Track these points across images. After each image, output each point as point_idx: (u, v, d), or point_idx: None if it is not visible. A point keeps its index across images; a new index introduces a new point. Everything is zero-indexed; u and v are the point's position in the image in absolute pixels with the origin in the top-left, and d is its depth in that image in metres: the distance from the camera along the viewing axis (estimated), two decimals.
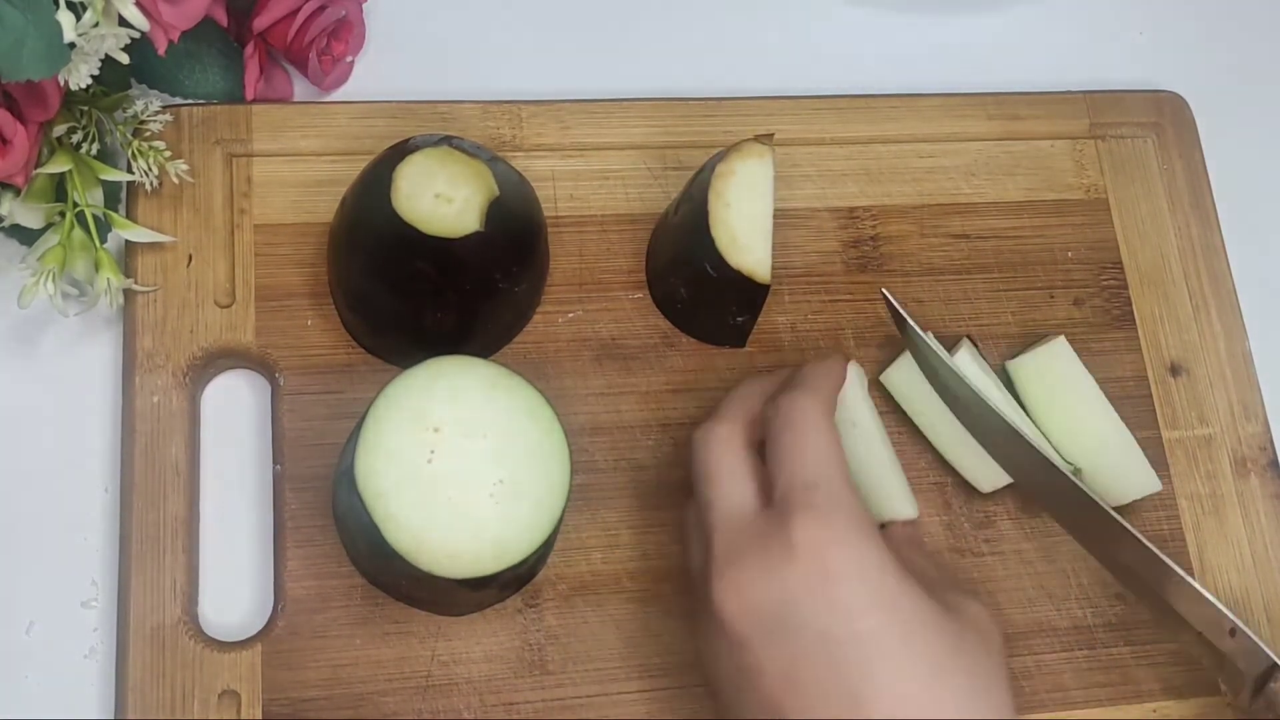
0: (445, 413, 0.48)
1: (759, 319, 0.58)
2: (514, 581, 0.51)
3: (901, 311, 0.53)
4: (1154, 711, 0.56)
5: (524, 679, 0.52)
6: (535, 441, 0.48)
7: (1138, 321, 0.62)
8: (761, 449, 0.47)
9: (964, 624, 0.44)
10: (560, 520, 0.48)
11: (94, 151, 0.54)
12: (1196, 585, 0.49)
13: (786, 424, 0.45)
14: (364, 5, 0.62)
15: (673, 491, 0.55)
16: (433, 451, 0.47)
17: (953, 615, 0.44)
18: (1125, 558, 0.50)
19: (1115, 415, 0.57)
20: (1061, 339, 0.58)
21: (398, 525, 0.46)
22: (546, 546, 0.48)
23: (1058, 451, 0.56)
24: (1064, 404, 0.57)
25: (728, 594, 0.43)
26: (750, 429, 0.47)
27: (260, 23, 0.58)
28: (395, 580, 0.50)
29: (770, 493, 0.45)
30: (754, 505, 0.45)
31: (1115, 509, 0.50)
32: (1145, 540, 0.49)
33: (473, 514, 0.47)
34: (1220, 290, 0.63)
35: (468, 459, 0.47)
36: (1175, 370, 0.62)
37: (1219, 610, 0.49)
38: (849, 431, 0.52)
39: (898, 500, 0.53)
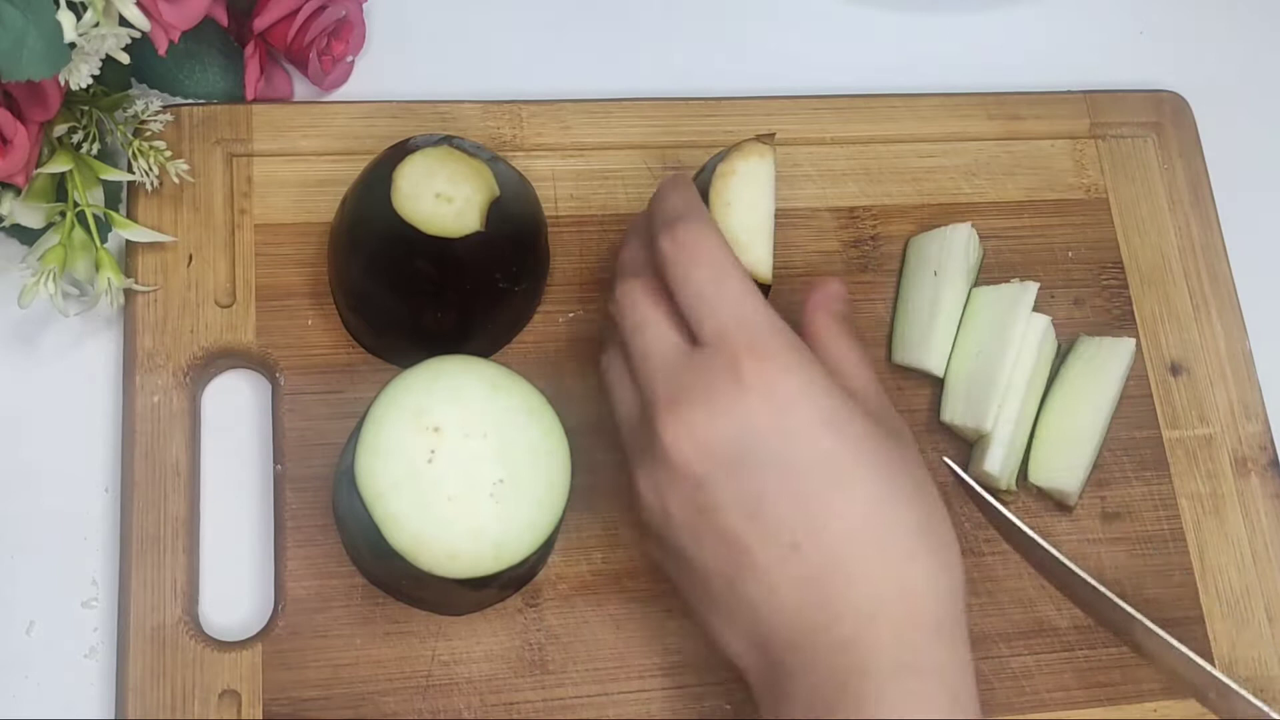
0: (446, 413, 0.48)
1: None
2: (514, 581, 0.51)
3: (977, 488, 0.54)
4: (1155, 711, 0.56)
5: (524, 679, 0.52)
6: (535, 441, 0.48)
7: (1138, 321, 0.62)
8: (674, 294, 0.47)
9: (898, 436, 0.46)
10: (561, 520, 0.48)
11: (94, 151, 0.54)
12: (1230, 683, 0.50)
13: (691, 261, 0.45)
14: (364, 5, 0.62)
15: None
16: (433, 451, 0.47)
17: (887, 430, 0.45)
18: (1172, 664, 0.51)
19: (1107, 420, 0.58)
20: (1130, 341, 0.59)
21: (398, 525, 0.46)
22: (547, 547, 0.48)
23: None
24: None
25: (679, 436, 0.43)
26: (658, 272, 0.47)
27: (261, 23, 0.58)
28: (396, 580, 0.50)
29: (698, 332, 0.45)
30: (683, 345, 0.45)
31: None
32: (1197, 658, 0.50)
33: (473, 514, 0.47)
34: (1220, 290, 0.63)
35: (468, 459, 0.47)
36: (1175, 370, 0.62)
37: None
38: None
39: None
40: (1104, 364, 0.58)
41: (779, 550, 0.43)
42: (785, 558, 0.43)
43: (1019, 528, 0.52)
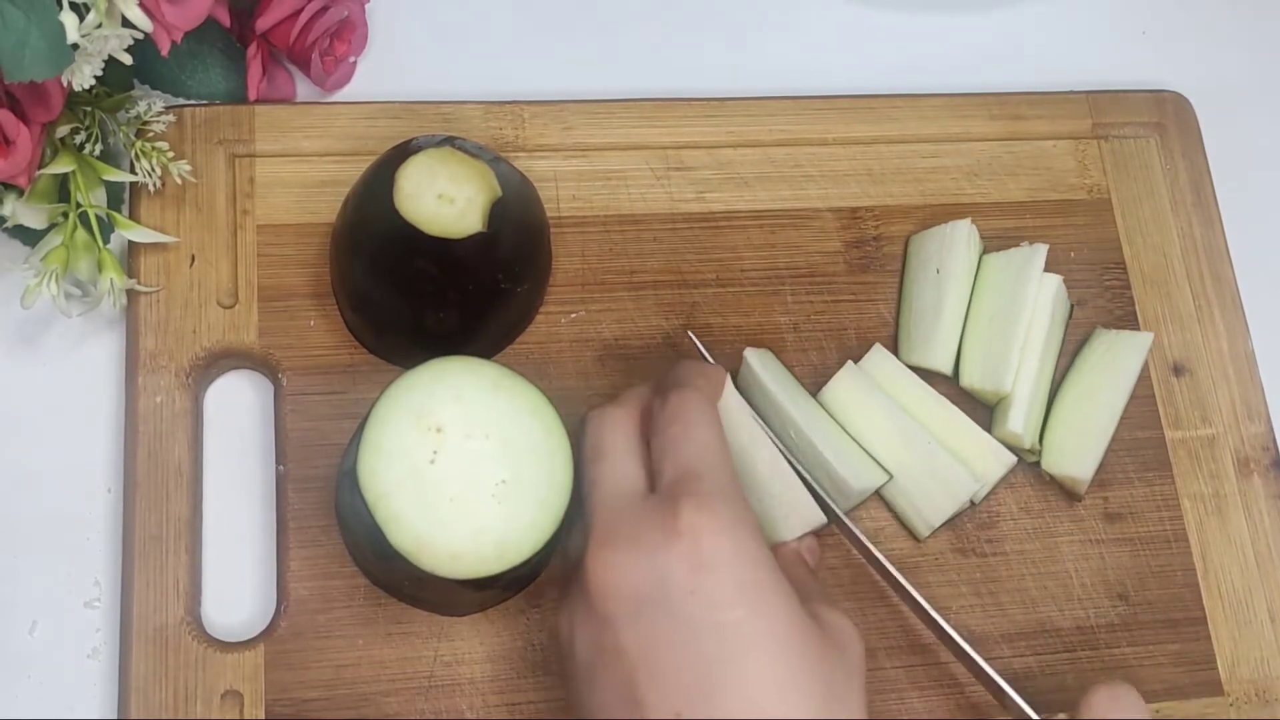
0: (448, 413, 0.48)
1: (762, 318, 0.58)
2: (516, 582, 0.51)
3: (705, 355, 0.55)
4: (1157, 712, 0.56)
5: (527, 679, 0.52)
6: (538, 441, 0.48)
7: (1140, 322, 0.62)
8: (650, 444, 0.47)
9: (829, 635, 0.43)
10: (563, 520, 0.48)
11: (97, 152, 0.54)
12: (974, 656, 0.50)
13: (674, 416, 0.46)
14: (366, 6, 0.62)
15: None
16: (435, 452, 0.47)
17: (819, 625, 0.43)
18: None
19: (1120, 412, 0.58)
20: (1148, 335, 0.60)
21: (400, 526, 0.46)
22: (549, 546, 0.48)
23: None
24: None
25: (599, 571, 0.43)
26: (644, 418, 0.48)
27: (263, 23, 0.58)
28: (398, 581, 0.50)
29: (655, 481, 0.45)
30: (639, 488, 0.45)
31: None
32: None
33: (475, 514, 0.47)
34: (1223, 290, 0.63)
35: (470, 459, 0.47)
36: (1178, 370, 0.62)
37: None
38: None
39: (804, 509, 0.52)
40: (1120, 356, 0.59)
41: (661, 714, 0.41)
42: None
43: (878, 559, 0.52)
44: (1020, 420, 0.56)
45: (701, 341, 0.58)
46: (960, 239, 0.59)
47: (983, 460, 0.56)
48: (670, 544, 0.42)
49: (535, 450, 0.48)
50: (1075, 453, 0.57)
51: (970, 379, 0.58)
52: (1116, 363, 0.59)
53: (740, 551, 0.42)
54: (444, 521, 0.46)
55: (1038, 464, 0.58)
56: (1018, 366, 0.56)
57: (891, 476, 0.55)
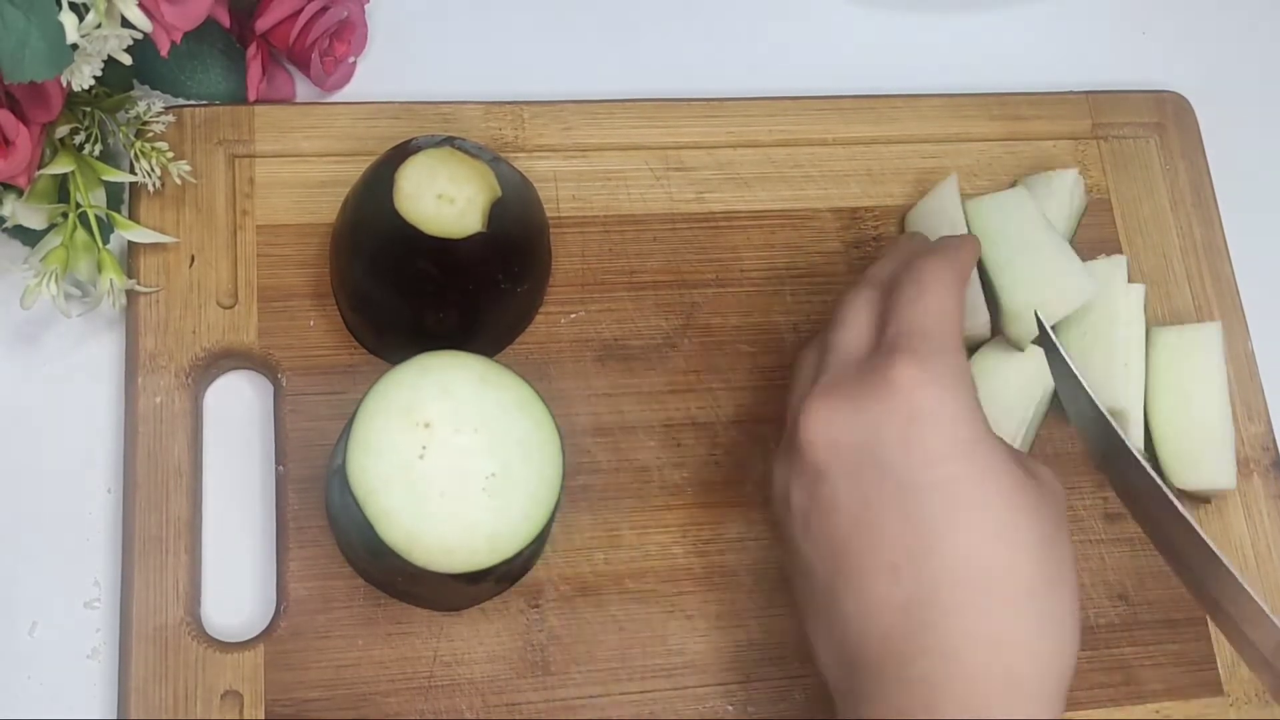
0: (435, 408, 0.48)
1: (762, 318, 0.58)
2: (509, 575, 0.51)
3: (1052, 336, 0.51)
4: (1157, 712, 0.56)
5: (526, 679, 0.52)
6: (527, 434, 0.48)
7: None
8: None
9: (1038, 485, 0.43)
10: (554, 513, 0.48)
11: (96, 152, 0.54)
12: (1257, 600, 0.44)
13: (913, 279, 0.45)
14: (366, 6, 0.62)
15: (676, 492, 0.55)
16: (424, 447, 0.47)
17: (1027, 474, 0.43)
18: (1182, 547, 0.47)
19: (1228, 407, 0.58)
20: (1216, 324, 0.59)
21: (390, 522, 0.46)
22: (540, 540, 0.48)
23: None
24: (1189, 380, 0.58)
25: (816, 423, 0.43)
26: (888, 293, 0.47)
27: (263, 23, 0.58)
28: (391, 577, 0.50)
29: (881, 336, 0.45)
30: (867, 349, 0.45)
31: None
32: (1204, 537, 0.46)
33: (466, 508, 0.47)
34: (1223, 290, 0.63)
35: (459, 454, 0.47)
36: None
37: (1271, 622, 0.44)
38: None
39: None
40: (1195, 353, 0.58)
41: (877, 568, 0.41)
42: (882, 577, 0.41)
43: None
44: (1139, 435, 0.57)
45: (703, 341, 0.58)
46: (949, 196, 0.59)
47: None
48: (883, 399, 0.42)
49: (524, 443, 0.48)
50: (1204, 463, 0.57)
51: None
52: (1196, 360, 0.58)
53: (953, 405, 0.42)
54: (434, 516, 0.46)
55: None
56: (1126, 381, 0.56)
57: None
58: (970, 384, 0.43)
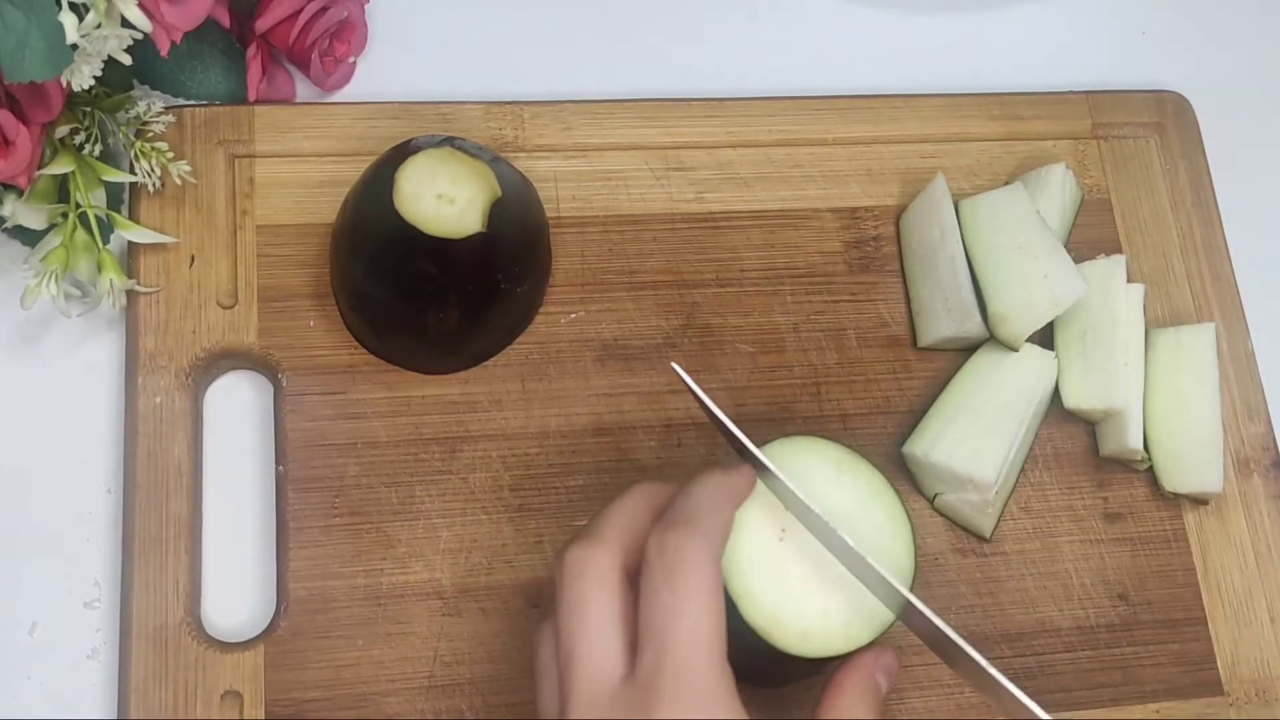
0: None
1: (762, 318, 0.58)
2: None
3: (729, 425, 0.47)
4: (1157, 712, 0.56)
5: (526, 679, 0.51)
6: (880, 526, 0.48)
7: None
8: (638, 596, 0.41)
9: None
10: (904, 602, 0.46)
11: (96, 152, 0.54)
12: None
13: (667, 578, 0.40)
14: (366, 6, 0.62)
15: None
16: (783, 530, 0.47)
17: None
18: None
19: (1219, 408, 0.58)
20: (1211, 325, 0.59)
21: (751, 602, 0.45)
22: (889, 628, 0.48)
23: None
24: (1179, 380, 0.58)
25: None
26: (631, 556, 0.42)
27: (263, 24, 0.58)
28: (738, 657, 0.49)
29: (638, 657, 0.40)
30: (619, 668, 0.40)
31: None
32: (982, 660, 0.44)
33: (822, 594, 0.46)
34: (1223, 290, 0.63)
35: (815, 542, 0.47)
36: None
37: None
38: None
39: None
40: (1191, 354, 0.58)
41: None
42: None
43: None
44: (1139, 436, 0.57)
45: (703, 341, 0.58)
46: (939, 198, 0.59)
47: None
48: None
49: (879, 533, 0.47)
50: (1195, 466, 0.57)
51: (1076, 400, 0.57)
52: (1191, 362, 0.58)
53: None
54: (793, 600, 0.46)
55: (1149, 472, 0.59)
56: (1126, 382, 0.56)
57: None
58: (735, 709, 0.39)
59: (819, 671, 0.48)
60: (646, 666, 0.39)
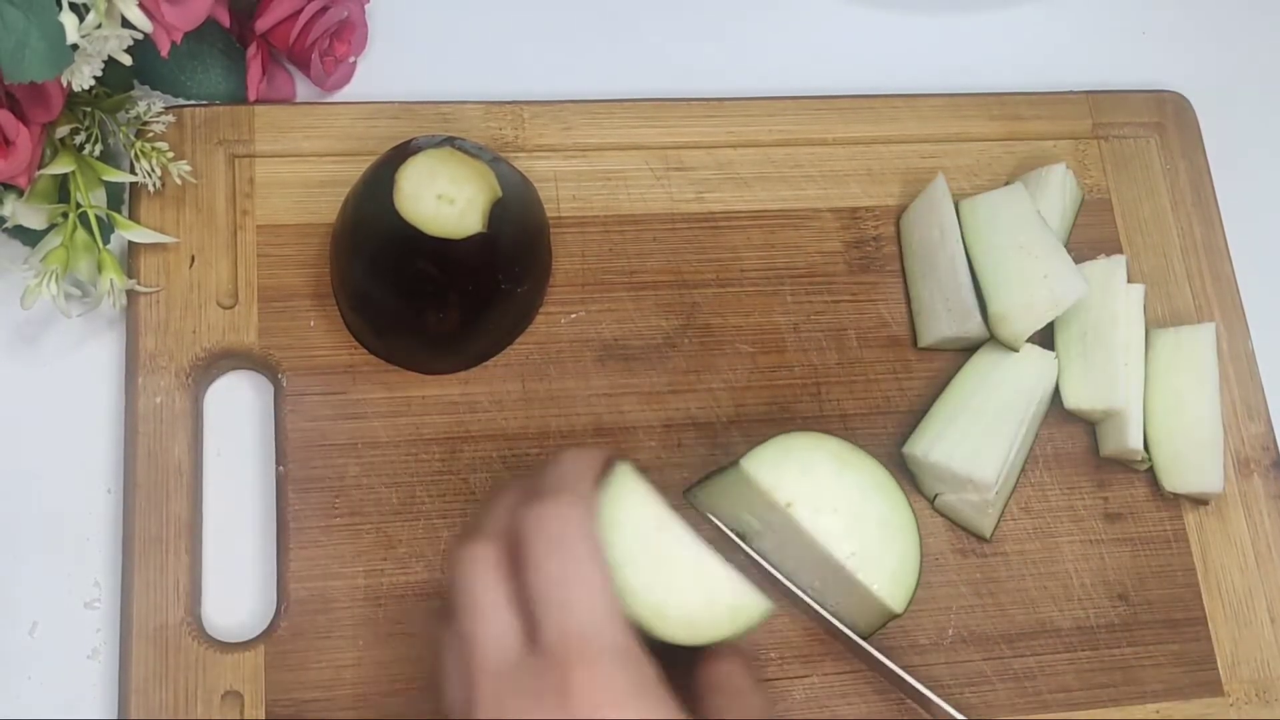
0: (797, 488, 0.51)
1: (762, 318, 0.58)
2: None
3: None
4: (1157, 712, 0.56)
5: None
6: (884, 516, 0.51)
7: None
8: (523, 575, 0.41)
9: None
10: (914, 592, 0.51)
11: (97, 152, 0.54)
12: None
13: (548, 547, 0.40)
14: (366, 6, 0.62)
15: (676, 492, 0.55)
16: (660, 521, 0.47)
17: None
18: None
19: (1219, 408, 0.58)
20: (1211, 325, 0.59)
21: (636, 597, 0.46)
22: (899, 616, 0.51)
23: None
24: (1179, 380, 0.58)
25: None
26: (512, 542, 0.42)
27: (263, 24, 0.58)
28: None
29: (534, 626, 0.40)
30: (518, 643, 0.40)
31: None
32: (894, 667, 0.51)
33: (706, 580, 0.46)
34: (1223, 290, 0.63)
35: (821, 534, 0.50)
36: None
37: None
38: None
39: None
40: (1191, 354, 0.58)
41: None
42: None
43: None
44: (1139, 436, 0.57)
45: (703, 341, 0.58)
46: (940, 198, 0.59)
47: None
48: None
49: (884, 525, 0.51)
50: (1195, 466, 0.57)
51: (1076, 401, 0.57)
52: (1191, 362, 0.58)
53: (642, 715, 0.38)
54: (676, 589, 0.46)
55: (1149, 472, 0.59)
56: (1126, 382, 0.56)
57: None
58: (654, 680, 0.40)
59: (702, 658, 0.49)
60: (551, 633, 0.39)
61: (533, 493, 0.42)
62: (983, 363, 0.57)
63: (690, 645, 0.45)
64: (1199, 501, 0.59)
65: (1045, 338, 0.58)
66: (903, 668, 0.53)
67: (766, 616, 0.46)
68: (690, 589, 0.46)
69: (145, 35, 0.48)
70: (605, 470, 0.44)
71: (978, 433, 0.55)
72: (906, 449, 0.56)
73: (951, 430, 0.55)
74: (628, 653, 0.40)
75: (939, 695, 0.52)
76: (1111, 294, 0.58)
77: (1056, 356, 0.57)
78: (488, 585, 0.41)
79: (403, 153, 0.53)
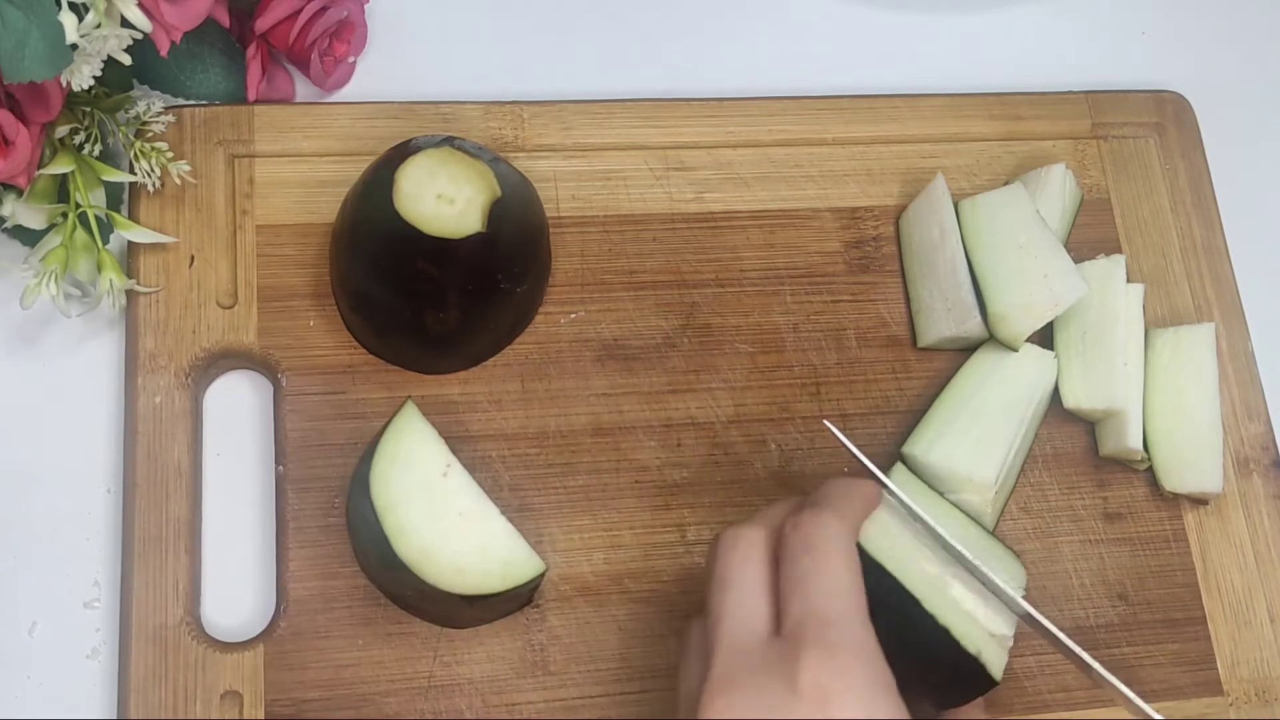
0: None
1: (762, 318, 0.58)
2: (517, 599, 0.51)
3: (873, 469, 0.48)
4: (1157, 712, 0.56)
5: (526, 679, 0.52)
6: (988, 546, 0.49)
7: None
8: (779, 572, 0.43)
9: None
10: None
11: (96, 152, 0.54)
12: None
13: (805, 546, 0.42)
14: (366, 6, 0.62)
15: (676, 492, 0.55)
16: (448, 465, 0.47)
17: None
18: None
19: (1219, 408, 0.58)
20: (1210, 325, 0.59)
21: (407, 537, 0.46)
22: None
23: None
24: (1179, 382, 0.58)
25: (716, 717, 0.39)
26: (778, 539, 0.44)
27: (262, 23, 0.58)
28: (402, 590, 0.50)
29: (781, 618, 0.41)
30: (764, 626, 0.41)
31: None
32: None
33: (483, 531, 0.47)
34: (1223, 290, 0.63)
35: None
36: None
37: None
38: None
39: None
40: (1191, 355, 0.58)
41: None
42: None
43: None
44: (1138, 436, 0.57)
45: (703, 341, 0.58)
46: (939, 197, 0.59)
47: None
48: (793, 703, 0.38)
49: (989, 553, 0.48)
50: (1194, 466, 0.57)
51: (1076, 400, 0.57)
52: (1190, 362, 0.58)
53: (869, 708, 0.39)
54: (451, 535, 0.46)
55: (1149, 472, 0.59)
56: (1127, 384, 0.56)
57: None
58: (889, 682, 0.40)
59: (491, 616, 0.49)
60: (792, 620, 0.40)
61: (804, 503, 0.44)
62: (982, 362, 0.57)
63: (463, 595, 0.45)
64: (1198, 501, 0.59)
65: (1044, 337, 0.58)
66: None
67: (538, 576, 0.46)
68: (464, 537, 0.46)
69: (145, 35, 0.48)
70: (874, 500, 0.46)
71: (977, 432, 0.55)
72: (906, 449, 0.56)
73: (951, 430, 0.55)
74: (865, 648, 0.40)
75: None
76: (1111, 293, 0.58)
77: (1056, 356, 0.57)
78: (747, 567, 0.43)
79: (402, 153, 0.53)
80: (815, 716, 0.38)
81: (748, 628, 0.41)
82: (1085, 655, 0.44)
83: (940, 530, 0.46)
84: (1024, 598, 0.46)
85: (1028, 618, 0.46)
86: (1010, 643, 0.46)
